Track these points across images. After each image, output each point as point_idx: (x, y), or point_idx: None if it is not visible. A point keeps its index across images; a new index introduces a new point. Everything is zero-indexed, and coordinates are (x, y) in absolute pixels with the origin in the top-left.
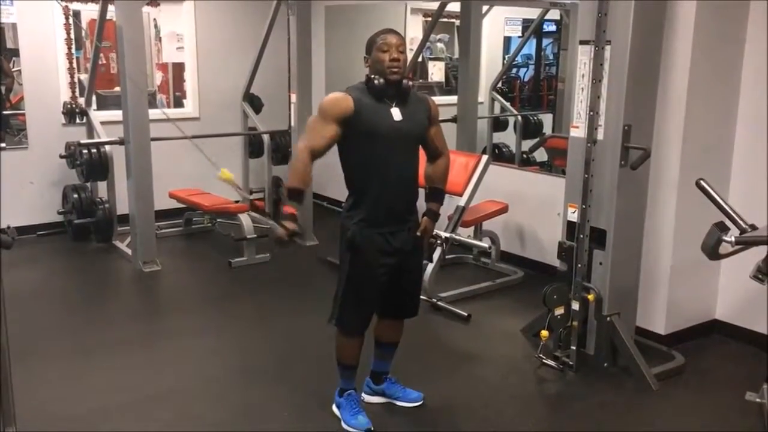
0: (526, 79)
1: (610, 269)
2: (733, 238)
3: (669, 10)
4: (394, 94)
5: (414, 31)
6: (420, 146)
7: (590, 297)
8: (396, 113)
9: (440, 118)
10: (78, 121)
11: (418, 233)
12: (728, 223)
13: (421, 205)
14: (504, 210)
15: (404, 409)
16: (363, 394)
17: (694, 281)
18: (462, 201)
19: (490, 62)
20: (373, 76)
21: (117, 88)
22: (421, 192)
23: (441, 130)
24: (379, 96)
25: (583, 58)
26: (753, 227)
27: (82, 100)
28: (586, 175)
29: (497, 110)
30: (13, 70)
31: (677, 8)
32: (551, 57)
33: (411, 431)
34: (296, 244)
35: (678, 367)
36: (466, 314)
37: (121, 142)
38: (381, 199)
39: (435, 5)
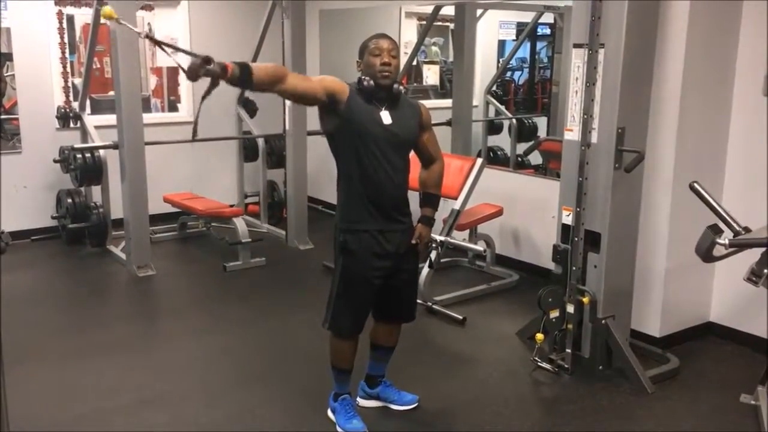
0: (520, 83)
1: (605, 272)
2: (726, 241)
3: (662, 13)
4: (384, 97)
5: (408, 34)
6: (413, 151)
7: (585, 300)
8: (385, 117)
9: (435, 122)
10: (72, 125)
11: (414, 241)
12: (722, 225)
13: (415, 210)
14: (499, 213)
15: (399, 412)
16: (358, 398)
17: (688, 284)
18: (457, 204)
19: (484, 65)
20: (363, 78)
21: (111, 93)
22: (415, 197)
23: (434, 136)
24: (369, 98)
25: (576, 61)
26: (747, 230)
27: (76, 105)
28: (581, 178)
29: (492, 113)
30: (6, 74)
31: (670, 11)
32: (545, 60)
33: None
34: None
35: (673, 370)
36: (461, 317)
37: (115, 146)
38: (371, 202)
39: (429, 9)
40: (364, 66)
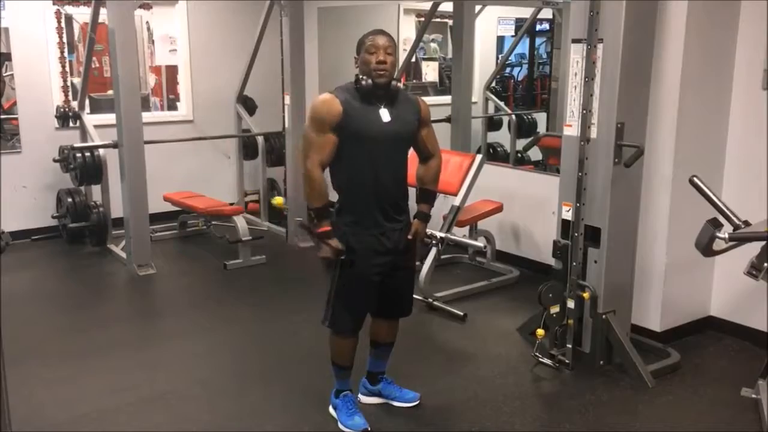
0: (519, 79)
1: (605, 267)
2: (726, 235)
3: (661, 8)
4: (382, 95)
5: (407, 31)
6: (411, 147)
7: (585, 295)
8: (385, 114)
9: (434, 118)
10: (71, 124)
11: (410, 236)
12: (722, 219)
13: (413, 206)
14: (499, 209)
15: (401, 409)
16: (359, 395)
17: (688, 278)
18: (457, 201)
19: (483, 62)
20: (361, 77)
21: (110, 92)
22: (412, 193)
23: (433, 132)
24: (368, 97)
25: (575, 57)
26: (746, 223)
27: (75, 104)
28: (580, 174)
29: (491, 110)
30: (5, 74)
31: (669, 6)
32: (544, 56)
33: (407, 431)
34: (343, 260)
35: (674, 364)
36: (462, 314)
37: (114, 146)
38: (370, 200)
39: (428, 5)
40: (360, 63)
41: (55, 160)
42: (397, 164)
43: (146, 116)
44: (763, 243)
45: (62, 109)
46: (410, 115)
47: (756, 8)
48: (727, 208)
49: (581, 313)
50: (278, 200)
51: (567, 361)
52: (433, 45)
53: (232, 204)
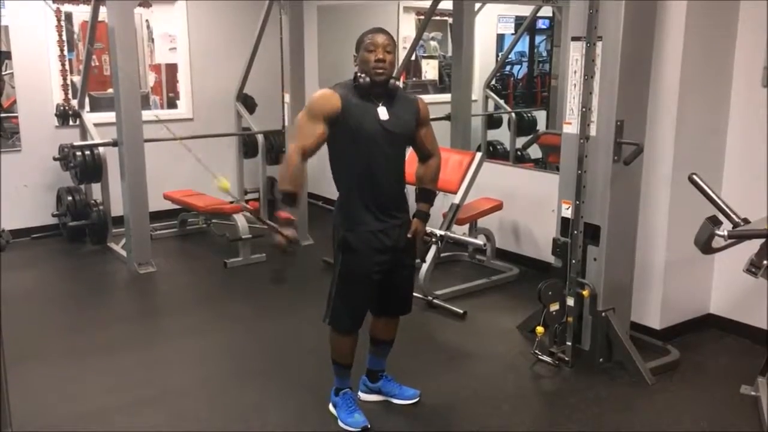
0: (519, 76)
1: (605, 265)
2: (725, 232)
3: (660, 7)
4: (381, 93)
5: (407, 29)
6: (410, 146)
7: (585, 293)
8: (382, 113)
9: (434, 116)
10: (71, 123)
11: (410, 235)
12: (721, 217)
13: (412, 204)
14: (499, 207)
15: (401, 406)
16: (359, 393)
17: (688, 276)
18: (456, 199)
19: (483, 60)
20: (359, 74)
21: (110, 90)
22: (411, 192)
23: (432, 131)
24: (366, 95)
25: (575, 55)
26: (746, 221)
27: (75, 102)
28: (580, 172)
29: (491, 108)
30: (5, 73)
31: (668, 4)
32: (544, 54)
33: (408, 429)
34: (294, 251)
35: (673, 362)
36: (461, 312)
37: (114, 144)
38: (369, 198)
39: (427, 3)
40: (359, 61)
41: (55, 159)
42: (395, 162)
43: (146, 114)
44: (763, 240)
45: (62, 108)
46: (408, 114)
47: (756, 8)
48: (727, 206)
49: (581, 310)
50: (224, 183)
51: (567, 359)
52: (433, 43)
53: (232, 202)
